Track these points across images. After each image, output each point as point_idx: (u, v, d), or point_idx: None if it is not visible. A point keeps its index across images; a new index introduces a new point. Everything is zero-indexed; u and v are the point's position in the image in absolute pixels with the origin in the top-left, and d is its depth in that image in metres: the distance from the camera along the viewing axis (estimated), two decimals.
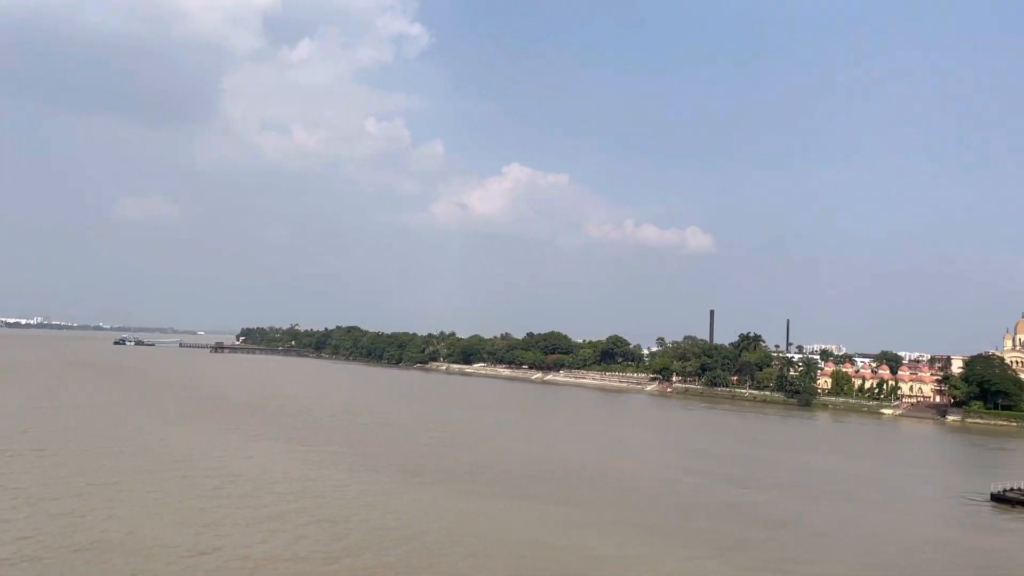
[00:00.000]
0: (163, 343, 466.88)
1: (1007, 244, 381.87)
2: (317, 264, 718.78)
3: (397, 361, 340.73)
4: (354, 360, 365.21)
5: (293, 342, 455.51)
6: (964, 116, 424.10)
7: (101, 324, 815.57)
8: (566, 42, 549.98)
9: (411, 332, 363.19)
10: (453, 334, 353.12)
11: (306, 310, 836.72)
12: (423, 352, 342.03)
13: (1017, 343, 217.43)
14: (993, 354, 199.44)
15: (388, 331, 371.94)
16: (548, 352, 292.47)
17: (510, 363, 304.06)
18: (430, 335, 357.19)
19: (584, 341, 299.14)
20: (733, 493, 72.91)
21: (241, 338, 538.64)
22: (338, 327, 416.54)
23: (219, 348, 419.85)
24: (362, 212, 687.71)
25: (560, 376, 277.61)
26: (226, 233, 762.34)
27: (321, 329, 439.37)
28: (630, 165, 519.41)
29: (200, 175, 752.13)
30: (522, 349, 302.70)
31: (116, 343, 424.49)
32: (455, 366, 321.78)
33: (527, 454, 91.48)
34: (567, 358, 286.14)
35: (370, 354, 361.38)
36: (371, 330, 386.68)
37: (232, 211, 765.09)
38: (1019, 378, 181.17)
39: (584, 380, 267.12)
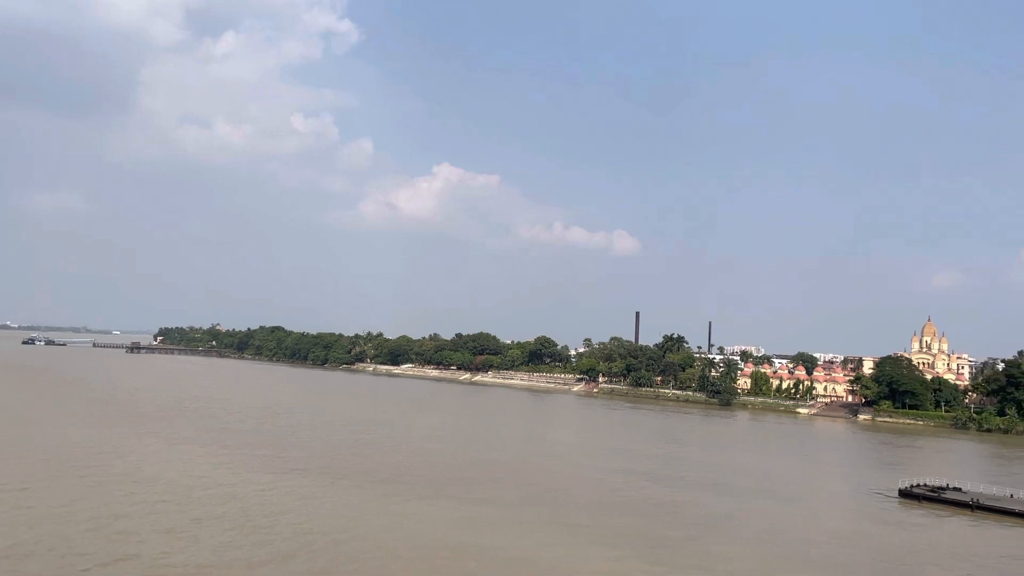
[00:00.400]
0: (76, 343, 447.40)
1: (917, 250, 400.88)
2: (239, 263, 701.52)
3: (323, 362, 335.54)
4: (278, 361, 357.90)
5: (214, 342, 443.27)
6: (881, 120, 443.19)
7: (8, 323, 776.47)
8: (497, 43, 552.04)
9: (337, 333, 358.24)
10: (381, 335, 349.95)
11: (228, 310, 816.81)
12: (349, 353, 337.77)
13: (923, 345, 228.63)
14: (901, 355, 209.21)
15: (314, 331, 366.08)
16: (477, 353, 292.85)
17: (438, 364, 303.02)
18: (357, 336, 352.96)
19: (513, 342, 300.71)
20: (655, 491, 74.42)
21: (159, 338, 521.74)
22: (261, 327, 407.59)
23: (135, 348, 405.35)
24: (287, 210, 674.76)
25: (489, 377, 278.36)
26: (143, 230, 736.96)
27: (244, 329, 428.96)
28: (560, 167, 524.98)
29: (116, 169, 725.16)
30: (451, 350, 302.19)
31: (25, 343, 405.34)
32: (382, 367, 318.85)
33: (454, 455, 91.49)
34: (496, 359, 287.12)
35: (295, 355, 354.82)
36: (296, 330, 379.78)
37: (150, 207, 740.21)
38: (925, 378, 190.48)
39: (512, 381, 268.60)
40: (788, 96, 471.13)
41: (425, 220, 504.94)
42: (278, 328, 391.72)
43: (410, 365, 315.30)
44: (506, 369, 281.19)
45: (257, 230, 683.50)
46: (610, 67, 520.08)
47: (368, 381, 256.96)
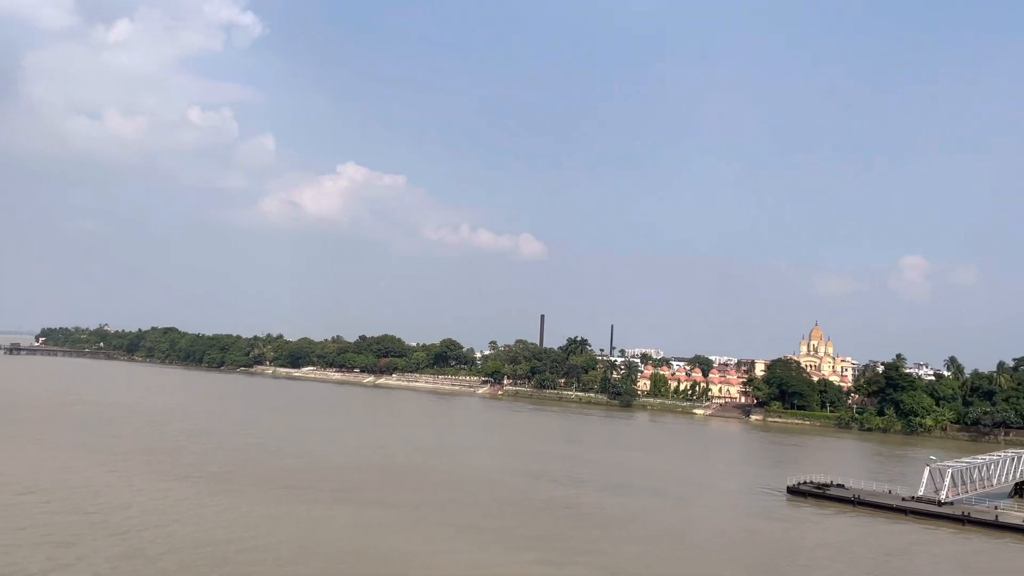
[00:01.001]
0: None
1: (807, 258, 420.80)
2: (130, 261, 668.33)
3: (219, 365, 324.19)
4: (171, 363, 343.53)
5: (102, 344, 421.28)
6: (774, 128, 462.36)
7: None
8: (405, 41, 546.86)
9: (235, 335, 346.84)
10: (281, 337, 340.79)
11: (117, 310, 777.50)
12: (247, 355, 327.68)
13: (811, 348, 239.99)
14: (791, 358, 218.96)
15: (210, 333, 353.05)
16: (381, 355, 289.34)
17: (341, 367, 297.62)
18: (256, 337, 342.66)
19: (418, 344, 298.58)
20: (553, 491, 75.09)
21: (41, 339, 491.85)
22: (153, 328, 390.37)
23: (15, 350, 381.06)
24: (183, 207, 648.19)
25: (393, 380, 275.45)
26: (24, 225, 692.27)
27: (134, 330, 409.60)
28: (468, 169, 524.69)
29: None
30: (354, 352, 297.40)
31: None
32: (282, 370, 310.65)
33: (354, 459, 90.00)
34: (400, 361, 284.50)
35: (189, 357, 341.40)
36: (191, 332, 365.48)
37: (33, 201, 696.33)
38: (812, 380, 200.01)
39: (417, 383, 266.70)
40: (690, 103, 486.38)
41: (329, 220, 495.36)
42: (171, 329, 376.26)
43: (311, 368, 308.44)
44: (411, 372, 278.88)
45: (150, 227, 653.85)
46: (519, 68, 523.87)
47: (267, 384, 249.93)
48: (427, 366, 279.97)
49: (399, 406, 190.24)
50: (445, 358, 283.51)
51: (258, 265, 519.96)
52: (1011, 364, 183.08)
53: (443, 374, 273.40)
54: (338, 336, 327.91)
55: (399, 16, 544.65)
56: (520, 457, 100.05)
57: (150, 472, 70.76)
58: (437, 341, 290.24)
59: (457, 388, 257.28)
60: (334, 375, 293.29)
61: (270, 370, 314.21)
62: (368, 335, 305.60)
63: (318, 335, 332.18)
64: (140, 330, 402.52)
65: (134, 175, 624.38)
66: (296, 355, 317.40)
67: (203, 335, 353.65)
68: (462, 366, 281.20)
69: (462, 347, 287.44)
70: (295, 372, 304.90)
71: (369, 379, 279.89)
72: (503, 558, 48.88)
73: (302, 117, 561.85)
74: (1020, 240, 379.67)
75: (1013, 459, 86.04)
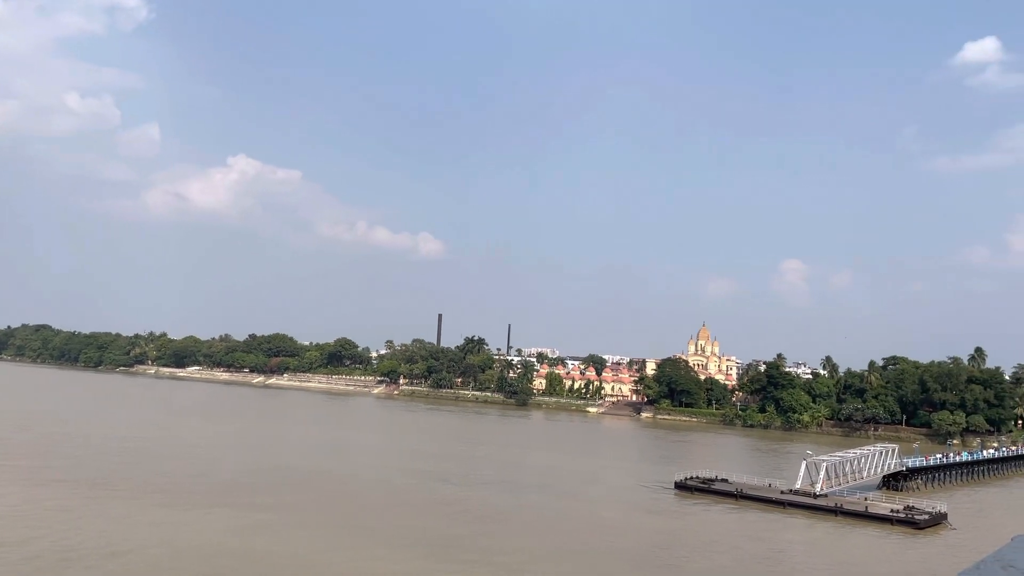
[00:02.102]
0: None
1: (696, 260, 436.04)
2: None
3: (96, 364, 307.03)
4: (44, 363, 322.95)
5: None
6: (675, 127, 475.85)
7: None
8: (301, 34, 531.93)
9: (115, 333, 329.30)
10: (165, 335, 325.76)
11: None
12: (128, 354, 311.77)
13: (698, 348, 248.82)
14: (680, 357, 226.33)
15: (87, 331, 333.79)
16: (272, 355, 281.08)
17: (229, 367, 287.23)
18: (137, 336, 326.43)
19: (311, 344, 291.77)
20: (445, 490, 74.60)
21: None
22: (24, 325, 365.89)
23: None
24: (58, 197, 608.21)
25: (284, 380, 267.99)
26: None
27: (3, 328, 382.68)
28: (366, 166, 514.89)
29: None
30: (243, 352, 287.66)
31: None
32: (166, 370, 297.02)
33: (237, 460, 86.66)
34: (292, 361, 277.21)
35: (63, 356, 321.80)
36: (66, 329, 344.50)
37: None
38: (699, 379, 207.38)
39: (310, 383, 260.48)
40: (585, 103, 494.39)
41: (219, 214, 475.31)
42: (44, 327, 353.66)
43: (198, 368, 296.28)
44: (303, 372, 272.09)
45: (21, 218, 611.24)
46: (418, 66, 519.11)
47: (148, 384, 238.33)
48: (320, 366, 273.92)
49: (289, 407, 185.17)
50: (339, 358, 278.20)
51: (141, 260, 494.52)
52: (880, 363, 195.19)
53: (337, 374, 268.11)
54: (226, 335, 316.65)
55: (295, 8, 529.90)
56: (411, 457, 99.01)
57: (15, 479, 65.93)
58: (331, 340, 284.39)
59: (351, 388, 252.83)
60: (222, 375, 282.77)
61: (152, 370, 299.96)
62: (259, 334, 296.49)
63: (205, 334, 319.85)
64: (9, 327, 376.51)
65: (2, 162, 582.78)
66: (181, 354, 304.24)
67: (79, 333, 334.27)
68: (357, 366, 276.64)
69: (357, 347, 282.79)
70: (179, 372, 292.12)
71: (259, 379, 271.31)
72: (387, 557, 48.07)
73: (190, 107, 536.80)
74: (890, 247, 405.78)
75: (881, 453, 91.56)
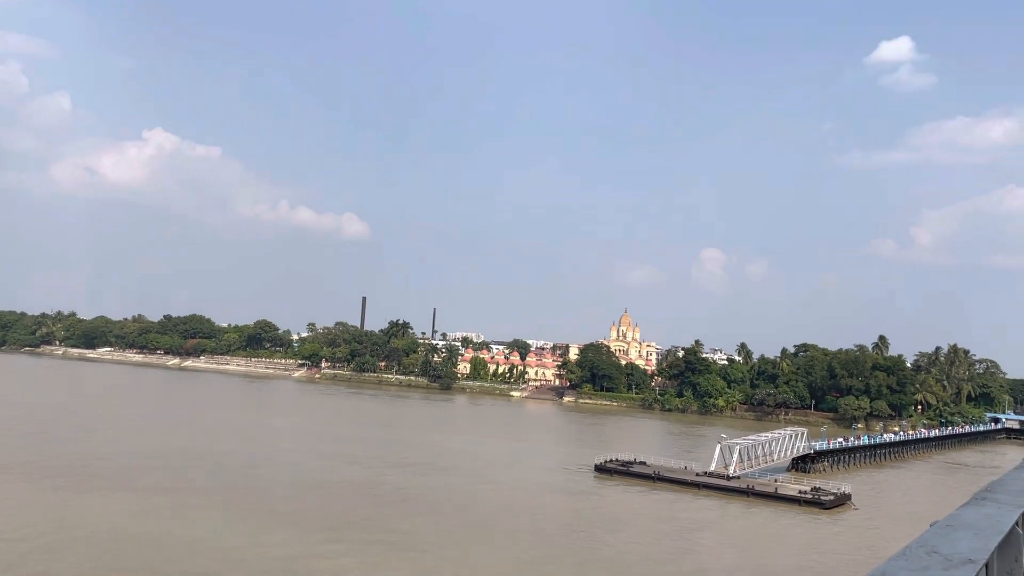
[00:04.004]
0: None
1: (620, 248, 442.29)
2: None
3: None
4: None
5: None
6: (599, 124, 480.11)
7: None
8: (225, 5, 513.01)
9: (19, 311, 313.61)
10: (74, 315, 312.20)
11: None
12: (34, 334, 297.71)
13: (620, 334, 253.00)
14: (602, 343, 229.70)
15: None
16: (188, 337, 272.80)
17: (143, 348, 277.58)
18: (44, 315, 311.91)
19: (230, 326, 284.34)
20: (356, 473, 73.52)
21: None
22: None
23: None
24: None
25: (201, 362, 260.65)
26: None
27: None
28: (290, 145, 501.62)
29: None
30: (158, 333, 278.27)
31: None
32: (75, 350, 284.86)
33: (144, 443, 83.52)
34: (210, 343, 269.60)
35: None
36: None
37: None
38: (620, 364, 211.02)
39: (227, 366, 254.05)
40: (517, 90, 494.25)
41: (133, 189, 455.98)
42: None
43: (109, 349, 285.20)
44: (221, 354, 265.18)
45: None
46: (346, 46, 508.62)
47: (54, 366, 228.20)
48: (239, 348, 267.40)
49: (204, 389, 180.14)
50: (259, 340, 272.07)
51: (49, 236, 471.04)
52: (792, 350, 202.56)
53: (257, 357, 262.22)
54: (140, 315, 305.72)
55: None
56: (326, 440, 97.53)
57: None
58: (251, 323, 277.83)
59: (271, 371, 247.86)
60: (134, 357, 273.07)
61: (60, 350, 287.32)
62: (174, 315, 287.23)
63: (117, 314, 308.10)
64: None
65: None
66: (91, 335, 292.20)
67: None
68: (277, 349, 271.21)
69: (278, 329, 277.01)
70: (89, 353, 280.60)
71: (174, 361, 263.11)
72: (294, 540, 47.14)
73: (104, 77, 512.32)
74: (804, 238, 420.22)
75: (791, 436, 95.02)
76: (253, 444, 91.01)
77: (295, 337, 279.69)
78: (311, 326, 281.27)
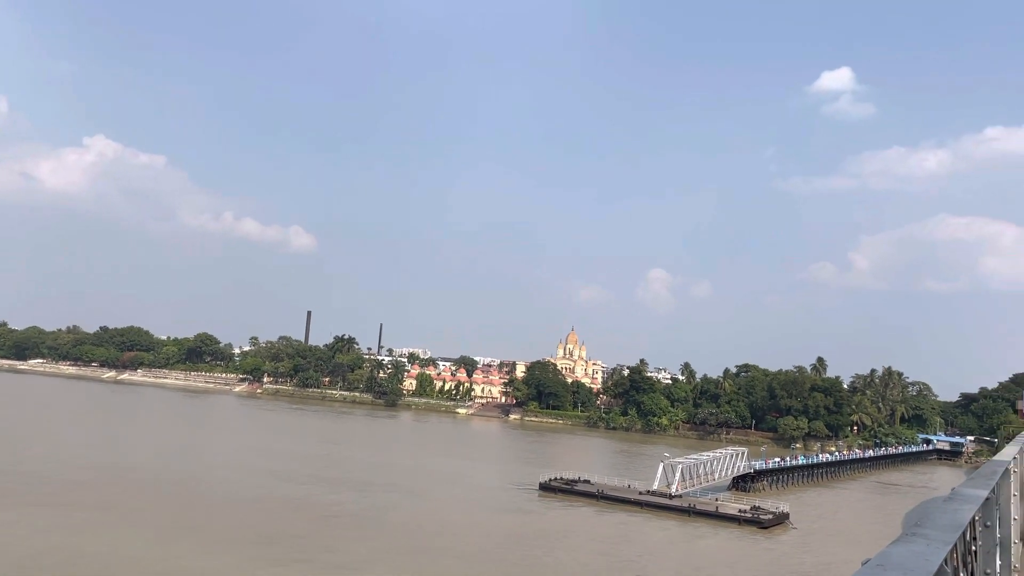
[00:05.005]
0: None
1: (569, 266, 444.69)
2: None
3: None
4: None
5: None
6: (548, 138, 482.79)
7: None
8: (172, 12, 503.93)
9: None
10: (5, 324, 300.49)
11: None
12: None
13: (567, 352, 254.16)
14: (549, 361, 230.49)
15: None
16: (126, 349, 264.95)
17: (77, 360, 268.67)
18: None
19: (169, 338, 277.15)
20: (294, 490, 72.09)
21: None
22: None
23: None
24: None
25: (138, 376, 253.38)
26: None
27: None
28: (237, 155, 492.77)
29: None
30: (93, 345, 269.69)
31: None
32: (4, 361, 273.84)
33: (73, 459, 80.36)
34: (148, 356, 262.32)
35: None
36: None
37: None
38: (567, 382, 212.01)
39: (166, 380, 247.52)
40: (472, 103, 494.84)
41: (72, 197, 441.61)
42: None
43: (41, 360, 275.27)
44: (159, 367, 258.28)
45: None
46: (296, 55, 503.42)
47: None
48: (179, 362, 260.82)
49: (140, 403, 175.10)
50: (199, 354, 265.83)
51: None
52: (734, 371, 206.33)
53: (196, 371, 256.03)
54: (75, 326, 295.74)
55: None
56: (265, 457, 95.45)
57: None
58: (191, 335, 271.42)
59: (211, 386, 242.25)
60: (68, 369, 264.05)
61: None
62: (111, 326, 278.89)
63: (51, 324, 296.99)
64: None
65: None
66: (23, 345, 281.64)
67: None
68: (218, 363, 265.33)
69: (219, 342, 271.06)
70: (20, 365, 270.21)
71: (109, 374, 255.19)
72: (225, 558, 46.08)
73: (43, 81, 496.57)
74: (747, 260, 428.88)
75: (732, 455, 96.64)
76: (186, 460, 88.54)
77: (237, 351, 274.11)
78: (254, 340, 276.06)
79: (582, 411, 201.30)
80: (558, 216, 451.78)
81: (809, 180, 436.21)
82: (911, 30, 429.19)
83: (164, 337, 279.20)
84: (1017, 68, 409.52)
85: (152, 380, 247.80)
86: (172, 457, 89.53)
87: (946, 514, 5.21)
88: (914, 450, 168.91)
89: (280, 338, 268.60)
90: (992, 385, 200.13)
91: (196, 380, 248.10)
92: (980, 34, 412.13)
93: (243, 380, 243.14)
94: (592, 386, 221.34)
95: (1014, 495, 9.93)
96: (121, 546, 46.71)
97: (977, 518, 6.09)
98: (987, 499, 6.47)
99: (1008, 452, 12.62)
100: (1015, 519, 9.70)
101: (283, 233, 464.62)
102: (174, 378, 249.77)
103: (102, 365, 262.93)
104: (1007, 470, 9.00)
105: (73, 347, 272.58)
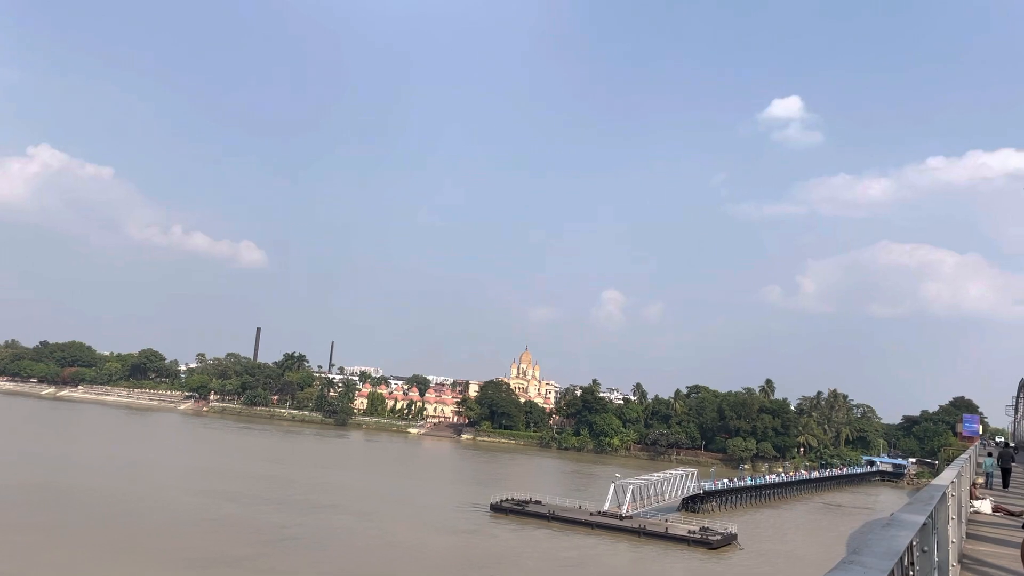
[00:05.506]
0: None
1: (523, 286, 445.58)
2: None
3: None
4: None
5: None
6: (502, 159, 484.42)
7: None
8: (122, 21, 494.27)
9: None
10: None
11: None
12: None
13: (520, 372, 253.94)
14: (502, 380, 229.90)
15: None
16: (67, 365, 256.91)
17: (15, 375, 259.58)
18: None
19: (112, 354, 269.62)
20: (240, 511, 70.48)
21: None
22: None
23: None
24: None
25: (79, 392, 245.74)
26: None
27: None
28: (187, 167, 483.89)
29: None
30: (32, 360, 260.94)
31: None
32: None
33: (6, 480, 78.09)
34: (90, 372, 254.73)
35: None
36: None
37: None
38: (520, 402, 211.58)
39: (108, 397, 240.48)
40: (431, 121, 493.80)
41: (13, 208, 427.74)
42: None
43: None
44: (102, 384, 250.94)
45: None
46: (252, 67, 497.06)
47: None
48: (122, 378, 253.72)
49: (79, 420, 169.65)
50: (144, 370, 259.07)
51: None
52: (685, 392, 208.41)
53: (140, 388, 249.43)
54: (13, 340, 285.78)
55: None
56: (208, 476, 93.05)
57: None
58: (135, 351, 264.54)
59: (155, 403, 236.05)
60: (4, 385, 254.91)
61: None
62: (52, 341, 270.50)
63: None
64: None
65: None
66: None
67: None
68: (163, 380, 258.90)
69: (164, 359, 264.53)
70: None
71: (49, 391, 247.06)
72: None
73: None
74: (698, 283, 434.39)
75: (682, 476, 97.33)
76: (124, 478, 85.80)
77: (183, 368, 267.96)
78: (200, 357, 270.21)
79: (535, 431, 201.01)
80: (513, 236, 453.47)
81: (759, 205, 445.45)
82: (858, 62, 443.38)
83: (107, 353, 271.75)
84: (958, 102, 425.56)
85: (94, 397, 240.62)
86: (110, 476, 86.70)
87: (884, 540, 5.22)
88: (858, 471, 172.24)
89: (228, 355, 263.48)
90: (933, 408, 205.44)
91: (140, 397, 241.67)
92: (923, 69, 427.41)
93: (189, 398, 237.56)
94: (545, 406, 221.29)
95: (952, 518, 10.08)
96: (51, 568, 44.93)
97: (915, 543, 6.13)
98: (924, 524, 6.52)
99: (946, 476, 12.86)
100: (952, 542, 9.84)
101: (234, 248, 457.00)
102: (117, 395, 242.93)
103: (41, 381, 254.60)
104: (944, 494, 9.13)
105: (11, 362, 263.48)
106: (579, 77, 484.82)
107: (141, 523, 61.46)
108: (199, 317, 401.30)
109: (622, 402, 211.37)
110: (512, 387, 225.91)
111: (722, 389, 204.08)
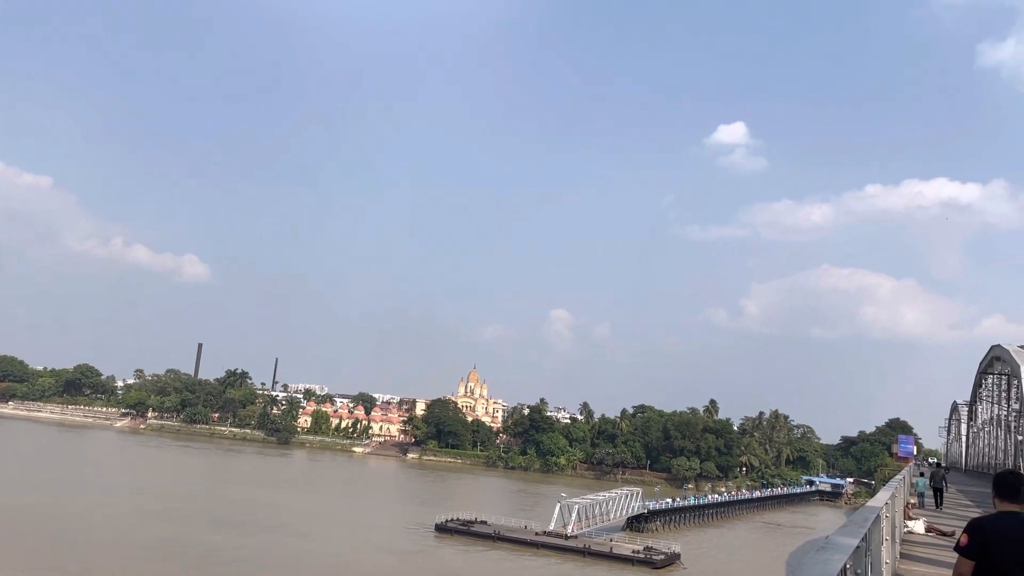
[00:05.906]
0: None
1: (473, 304, 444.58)
2: None
3: None
4: None
5: None
6: (450, 178, 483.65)
7: None
8: (62, 25, 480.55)
9: None
10: None
11: None
12: None
13: (468, 390, 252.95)
14: (449, 399, 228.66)
15: None
16: None
17: None
18: None
19: (45, 369, 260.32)
20: (173, 531, 68.22)
21: None
22: None
23: None
24: None
25: (9, 408, 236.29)
26: None
27: None
28: (129, 178, 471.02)
29: None
30: None
31: None
32: None
33: None
34: (21, 387, 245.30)
35: None
36: None
37: None
38: (467, 420, 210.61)
39: (40, 414, 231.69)
40: (388, 135, 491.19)
41: None
42: None
43: None
44: (34, 400, 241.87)
45: None
46: (199, 76, 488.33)
47: None
48: (55, 394, 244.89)
49: (8, 437, 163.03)
50: (79, 386, 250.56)
51: None
52: (631, 411, 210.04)
53: (75, 404, 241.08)
54: None
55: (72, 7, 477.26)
56: (142, 495, 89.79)
57: None
58: (71, 366, 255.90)
59: (90, 420, 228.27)
60: None
61: None
62: None
63: None
64: None
65: None
66: None
67: None
68: (99, 396, 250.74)
69: (100, 374, 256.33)
70: None
71: None
72: None
73: None
74: (645, 304, 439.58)
75: (627, 495, 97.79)
76: (52, 497, 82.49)
77: (120, 384, 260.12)
78: (139, 373, 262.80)
79: (482, 450, 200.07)
80: (462, 253, 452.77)
81: (705, 228, 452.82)
82: (800, 90, 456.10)
83: (40, 368, 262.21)
84: (895, 130, 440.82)
85: (24, 413, 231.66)
86: (37, 495, 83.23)
87: (817, 564, 5.27)
88: (798, 491, 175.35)
89: (168, 371, 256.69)
90: (870, 429, 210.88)
91: (74, 414, 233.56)
92: (862, 97, 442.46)
93: (125, 415, 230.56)
94: (492, 425, 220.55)
95: (886, 539, 10.28)
96: None
97: (848, 566, 6.22)
98: (858, 547, 6.62)
99: (881, 497, 13.12)
100: (887, 563, 10.03)
101: (176, 261, 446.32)
102: (50, 411, 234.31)
103: None
104: (879, 516, 9.30)
105: None
106: (530, 97, 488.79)
107: (68, 543, 59.07)
108: (138, 332, 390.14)
109: (569, 421, 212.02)
110: (460, 406, 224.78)
111: (668, 408, 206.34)
